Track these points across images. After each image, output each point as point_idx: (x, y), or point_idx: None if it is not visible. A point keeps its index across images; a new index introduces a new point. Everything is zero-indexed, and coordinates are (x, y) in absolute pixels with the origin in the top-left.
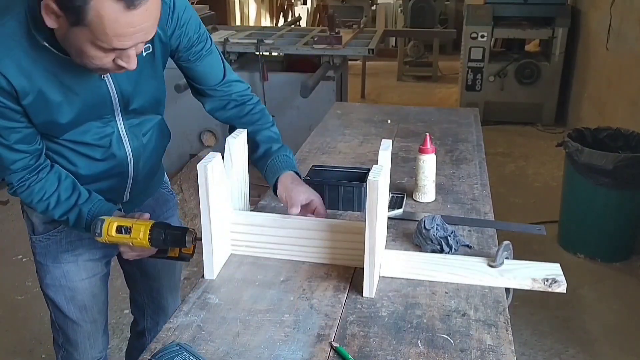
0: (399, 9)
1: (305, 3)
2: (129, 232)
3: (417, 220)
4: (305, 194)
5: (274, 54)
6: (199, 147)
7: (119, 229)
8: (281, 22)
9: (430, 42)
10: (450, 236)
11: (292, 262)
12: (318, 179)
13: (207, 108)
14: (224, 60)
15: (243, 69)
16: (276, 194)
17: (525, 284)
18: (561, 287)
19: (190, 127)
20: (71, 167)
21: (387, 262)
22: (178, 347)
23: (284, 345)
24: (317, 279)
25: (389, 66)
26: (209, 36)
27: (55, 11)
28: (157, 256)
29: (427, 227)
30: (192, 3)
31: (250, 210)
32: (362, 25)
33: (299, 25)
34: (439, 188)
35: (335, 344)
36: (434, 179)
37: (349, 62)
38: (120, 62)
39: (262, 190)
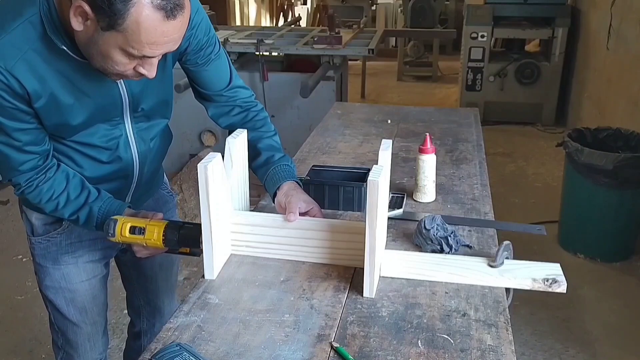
0: (399, 9)
1: (305, 3)
2: (143, 233)
3: (417, 220)
4: (305, 202)
5: (274, 54)
6: (199, 147)
7: (132, 230)
8: (281, 22)
9: (430, 42)
10: (450, 236)
11: (292, 262)
12: (318, 179)
13: (210, 113)
14: (231, 65)
15: (243, 69)
16: (274, 202)
17: (525, 284)
18: (561, 287)
19: (190, 127)
20: (76, 168)
21: (387, 262)
22: (178, 347)
23: (284, 345)
24: (317, 279)
25: (389, 66)
26: (218, 40)
27: (87, 13)
28: (168, 252)
29: (427, 227)
30: None
31: (250, 210)
32: (362, 25)
33: (299, 25)
34: (439, 188)
35: (335, 344)
36: (434, 179)
37: (349, 62)
38: (142, 70)
39: (262, 190)
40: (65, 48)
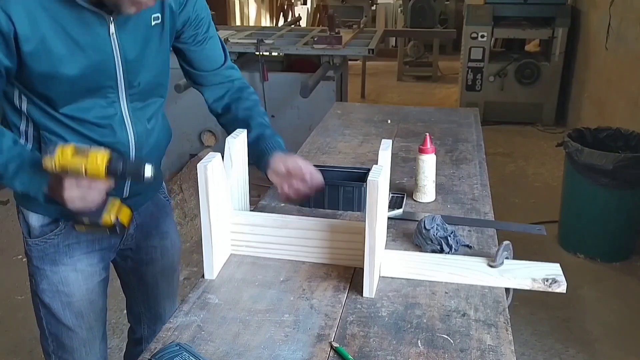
0: (399, 9)
1: (305, 3)
2: (86, 157)
3: (417, 220)
4: (303, 163)
5: (274, 54)
6: (199, 147)
7: (75, 152)
8: (281, 22)
9: (430, 42)
10: (450, 236)
11: (292, 262)
12: None
13: (206, 96)
14: (224, 44)
15: (243, 69)
16: (267, 175)
17: (525, 284)
18: (561, 287)
19: (190, 127)
20: None
21: (387, 262)
22: (178, 347)
23: (284, 345)
24: (317, 279)
25: (389, 66)
26: (212, 19)
27: None
28: (89, 226)
29: (427, 227)
30: None
31: (250, 210)
32: (362, 25)
33: (299, 25)
34: (439, 188)
35: (335, 344)
36: (434, 179)
37: (349, 62)
38: None
39: (262, 190)
40: None
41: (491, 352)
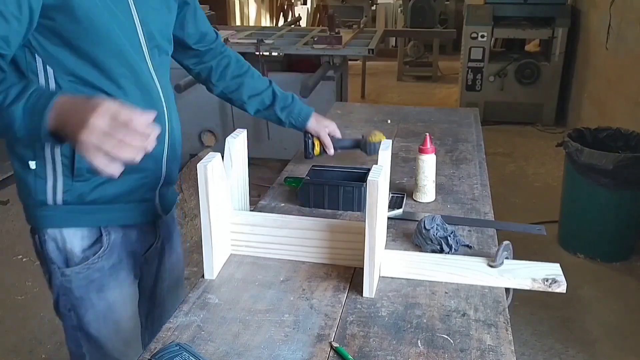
0: (399, 9)
1: (305, 3)
2: None
3: (417, 220)
4: (329, 123)
5: (274, 54)
6: (199, 147)
7: None
8: (281, 22)
9: (430, 42)
10: (450, 236)
11: (292, 262)
12: (318, 179)
13: (212, 64)
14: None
15: None
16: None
17: (525, 284)
18: (561, 287)
19: (190, 127)
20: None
21: (387, 262)
22: (178, 347)
23: (284, 345)
24: (317, 279)
25: (389, 66)
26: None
27: None
28: None
29: (427, 227)
30: None
31: (250, 210)
32: (362, 25)
33: (299, 25)
34: (439, 188)
35: (335, 344)
36: (434, 179)
37: (349, 62)
38: None
39: (262, 190)
40: None
41: (491, 352)
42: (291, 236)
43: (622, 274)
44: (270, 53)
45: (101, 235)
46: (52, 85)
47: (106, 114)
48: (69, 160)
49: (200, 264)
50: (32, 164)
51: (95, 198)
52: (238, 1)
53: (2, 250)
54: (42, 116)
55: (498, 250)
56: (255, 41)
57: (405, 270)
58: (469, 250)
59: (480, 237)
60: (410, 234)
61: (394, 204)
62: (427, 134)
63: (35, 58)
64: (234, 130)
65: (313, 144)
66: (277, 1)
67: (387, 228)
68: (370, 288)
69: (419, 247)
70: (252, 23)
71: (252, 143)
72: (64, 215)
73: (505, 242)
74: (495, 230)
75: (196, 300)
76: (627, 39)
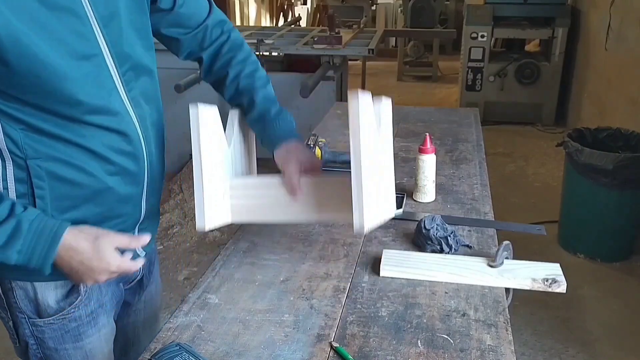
0: (399, 9)
1: (305, 3)
2: None
3: (417, 220)
4: (303, 160)
5: (274, 54)
6: None
7: None
8: (281, 22)
9: (430, 42)
10: (450, 236)
11: (292, 262)
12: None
13: (203, 56)
14: None
15: None
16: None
17: (525, 284)
18: (561, 287)
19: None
20: (83, 142)
21: (387, 262)
22: (178, 347)
23: (284, 345)
24: (317, 279)
25: (389, 66)
26: None
27: None
28: None
29: (427, 227)
30: None
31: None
32: (362, 25)
33: (299, 25)
34: (439, 188)
35: (335, 344)
36: (434, 179)
37: (349, 62)
38: None
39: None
40: None
41: (491, 352)
42: (283, 195)
43: (622, 274)
44: (270, 53)
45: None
46: (0, 136)
47: (112, 270)
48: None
49: (200, 264)
50: None
51: None
52: (238, 1)
53: None
54: (43, 263)
55: (498, 250)
56: (255, 41)
57: (405, 270)
58: (469, 250)
59: (480, 237)
60: (410, 234)
61: None
62: (427, 134)
63: None
64: None
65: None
66: (277, 1)
67: (387, 228)
68: (360, 220)
69: (419, 247)
70: (252, 23)
71: None
72: (32, 270)
73: (505, 242)
74: (495, 230)
75: (196, 300)
76: (627, 39)
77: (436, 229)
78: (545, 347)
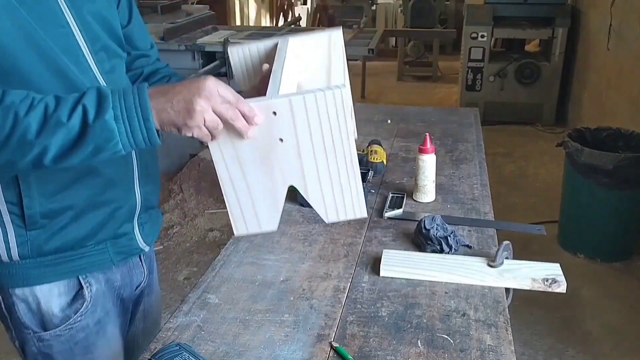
0: (399, 9)
1: (305, 3)
2: None
3: (417, 220)
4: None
5: None
6: (199, 147)
7: None
8: (281, 22)
9: (430, 42)
10: (450, 236)
11: (292, 262)
12: None
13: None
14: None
15: None
16: None
17: (525, 284)
18: (561, 287)
19: None
20: None
21: (387, 262)
22: (178, 347)
23: (284, 345)
24: (317, 279)
25: (389, 66)
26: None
27: None
28: None
29: (427, 227)
30: (192, 3)
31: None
32: (362, 25)
33: (299, 25)
34: (439, 188)
35: (335, 344)
36: (434, 179)
37: (349, 62)
38: None
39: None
40: None
41: (491, 352)
42: None
43: (622, 274)
44: None
45: (81, 287)
46: None
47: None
48: (16, 207)
49: (200, 264)
50: None
51: (57, 246)
52: (238, 1)
53: None
54: (148, 118)
55: (498, 250)
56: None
57: (405, 270)
58: (469, 250)
59: (480, 237)
60: (410, 234)
61: (393, 204)
62: (427, 134)
63: None
64: None
65: None
66: (277, 1)
67: (387, 228)
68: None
69: (419, 247)
70: (252, 23)
71: None
72: (28, 272)
73: (505, 242)
74: (495, 230)
75: (196, 300)
76: (627, 39)
77: (436, 229)
78: (545, 347)
